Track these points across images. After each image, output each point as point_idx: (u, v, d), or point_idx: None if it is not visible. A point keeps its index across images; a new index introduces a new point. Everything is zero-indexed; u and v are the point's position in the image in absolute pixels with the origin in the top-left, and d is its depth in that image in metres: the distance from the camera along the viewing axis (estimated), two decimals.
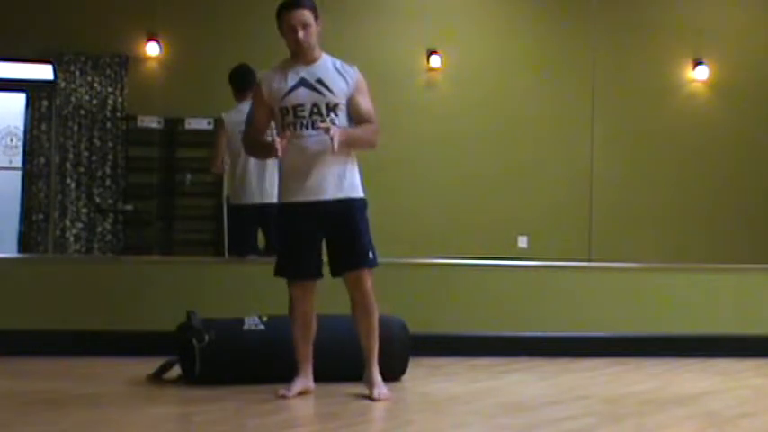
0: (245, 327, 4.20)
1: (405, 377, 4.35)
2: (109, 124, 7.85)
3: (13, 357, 4.68)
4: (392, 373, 4.29)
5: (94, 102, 7.84)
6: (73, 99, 7.80)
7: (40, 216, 7.86)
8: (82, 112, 7.82)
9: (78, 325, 4.93)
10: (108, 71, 7.84)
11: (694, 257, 6.87)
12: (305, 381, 3.97)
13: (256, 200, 5.41)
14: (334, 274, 3.94)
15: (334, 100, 3.88)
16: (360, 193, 3.95)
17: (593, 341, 5.33)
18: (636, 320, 5.41)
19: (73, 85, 7.80)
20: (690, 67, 8.44)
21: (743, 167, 8.33)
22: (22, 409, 3.60)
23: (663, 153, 8.30)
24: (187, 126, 7.85)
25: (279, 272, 3.96)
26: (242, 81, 5.50)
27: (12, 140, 8.68)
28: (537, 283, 5.43)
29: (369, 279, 3.90)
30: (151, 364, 4.26)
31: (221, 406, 3.69)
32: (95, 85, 7.83)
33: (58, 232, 7.71)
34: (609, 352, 5.27)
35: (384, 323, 4.37)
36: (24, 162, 7.99)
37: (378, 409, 3.73)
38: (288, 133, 3.84)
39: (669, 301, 5.48)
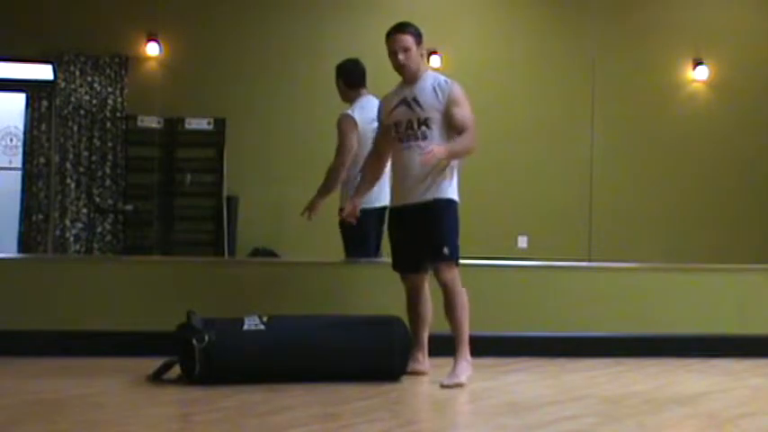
0: (245, 327, 4.20)
1: (405, 377, 4.35)
2: (109, 124, 7.85)
3: (13, 357, 4.68)
4: (392, 373, 4.30)
5: (94, 102, 7.84)
6: (73, 99, 7.80)
7: (40, 216, 7.86)
8: (82, 112, 7.82)
9: (79, 325, 4.92)
10: (108, 71, 7.84)
11: (694, 257, 6.86)
12: (412, 364, 4.42)
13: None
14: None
15: (424, 115, 4.32)
16: (443, 195, 4.32)
17: (593, 341, 5.32)
18: (636, 320, 5.40)
19: (73, 85, 7.80)
20: (690, 67, 8.45)
21: (743, 167, 8.33)
22: (22, 409, 3.60)
23: (663, 153, 8.30)
24: (187, 126, 7.86)
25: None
26: (360, 77, 5.33)
27: (12, 140, 8.68)
28: (537, 283, 5.43)
29: (447, 271, 4.31)
30: (151, 364, 4.26)
31: (221, 406, 3.69)
32: (95, 85, 7.83)
33: (57, 232, 7.71)
34: (609, 352, 5.26)
35: (384, 323, 4.39)
36: (24, 162, 7.98)
37: (377, 409, 3.72)
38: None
39: (669, 301, 5.47)
